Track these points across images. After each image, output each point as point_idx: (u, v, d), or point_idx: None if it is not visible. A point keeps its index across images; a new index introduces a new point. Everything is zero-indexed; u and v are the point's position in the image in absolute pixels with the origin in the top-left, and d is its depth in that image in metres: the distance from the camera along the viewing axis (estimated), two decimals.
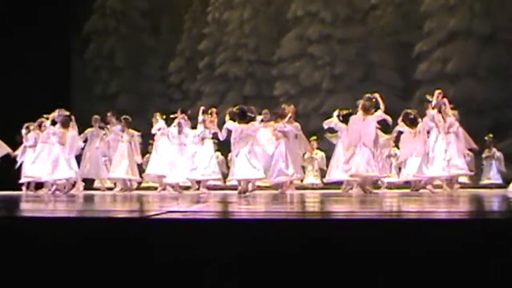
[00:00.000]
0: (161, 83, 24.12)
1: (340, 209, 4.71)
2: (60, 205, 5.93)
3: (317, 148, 15.68)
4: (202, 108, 12.10)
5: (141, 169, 13.43)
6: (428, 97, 10.91)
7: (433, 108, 10.84)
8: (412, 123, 11.13)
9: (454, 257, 2.58)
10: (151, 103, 22.81)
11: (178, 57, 24.27)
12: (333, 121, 11.87)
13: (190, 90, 23.81)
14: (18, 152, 13.03)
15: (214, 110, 12.11)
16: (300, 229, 2.93)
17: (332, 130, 12.12)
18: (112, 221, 3.44)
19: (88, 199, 7.87)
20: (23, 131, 13.10)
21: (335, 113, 12.16)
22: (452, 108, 11.21)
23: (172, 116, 12.48)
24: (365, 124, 10.11)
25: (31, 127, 12.95)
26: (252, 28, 22.89)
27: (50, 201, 7.24)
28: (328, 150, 14.11)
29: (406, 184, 12.11)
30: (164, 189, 12.20)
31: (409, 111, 11.46)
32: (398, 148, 12.33)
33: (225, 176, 12.64)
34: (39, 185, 12.77)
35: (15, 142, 13.23)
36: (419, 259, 2.58)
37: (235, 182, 11.78)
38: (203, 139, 11.44)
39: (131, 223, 3.30)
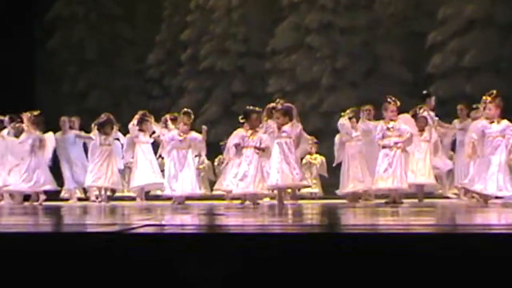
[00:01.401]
0: (138, 78, 24.14)
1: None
2: (31, 219, 5.95)
3: (316, 152, 15.64)
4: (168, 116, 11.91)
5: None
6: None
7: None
8: None
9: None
10: (127, 101, 22.79)
11: (157, 48, 24.27)
12: (345, 124, 11.74)
13: (171, 86, 23.83)
14: None
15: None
16: (297, 244, 2.94)
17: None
18: (82, 236, 3.45)
19: (57, 211, 7.87)
20: None
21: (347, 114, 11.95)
22: None
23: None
24: None
25: None
26: (242, 16, 22.84)
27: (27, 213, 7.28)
28: (328, 155, 14.13)
29: None
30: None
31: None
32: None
33: (212, 184, 12.61)
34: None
35: None
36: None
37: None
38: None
39: (103, 238, 3.31)
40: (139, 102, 21.69)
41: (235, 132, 10.83)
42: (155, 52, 24.22)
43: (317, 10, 21.51)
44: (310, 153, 15.55)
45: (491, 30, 18.90)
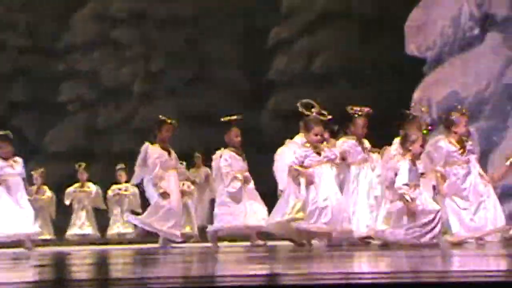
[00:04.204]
0: None
1: None
2: None
3: (127, 181, 15.33)
4: None
5: None
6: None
7: None
8: None
9: None
10: None
11: None
12: None
13: None
14: None
15: None
16: None
17: None
18: None
19: None
20: None
21: None
22: None
23: None
24: None
25: None
26: None
27: None
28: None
29: None
30: None
31: None
32: None
33: None
34: None
35: None
36: None
37: None
38: None
39: None
40: None
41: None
42: None
43: None
44: (119, 182, 15.25)
45: (350, 26, 19.45)
